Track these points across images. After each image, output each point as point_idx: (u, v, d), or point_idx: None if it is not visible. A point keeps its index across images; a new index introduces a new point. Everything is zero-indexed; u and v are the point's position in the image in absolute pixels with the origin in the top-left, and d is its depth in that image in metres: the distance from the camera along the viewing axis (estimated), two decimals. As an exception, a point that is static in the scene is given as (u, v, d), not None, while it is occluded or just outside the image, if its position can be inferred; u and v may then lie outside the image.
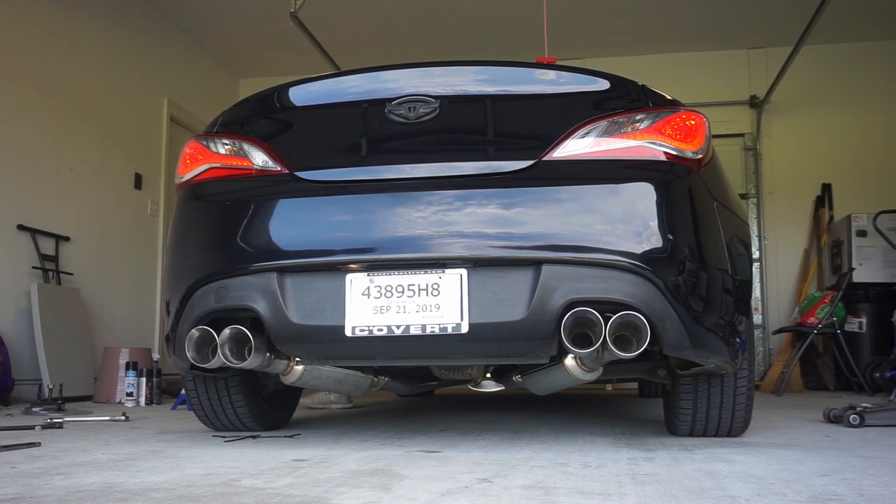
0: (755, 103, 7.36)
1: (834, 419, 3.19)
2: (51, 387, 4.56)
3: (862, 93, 7.26)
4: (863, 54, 7.28)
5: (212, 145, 2.55)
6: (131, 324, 6.36)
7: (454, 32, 7.09)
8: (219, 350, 2.28)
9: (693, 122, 2.34)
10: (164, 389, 5.09)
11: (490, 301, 2.16)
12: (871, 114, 7.22)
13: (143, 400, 4.83)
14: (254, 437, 2.68)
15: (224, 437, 2.70)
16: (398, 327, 2.18)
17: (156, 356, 5.39)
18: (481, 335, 2.16)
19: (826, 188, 7.20)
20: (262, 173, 2.44)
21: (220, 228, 2.41)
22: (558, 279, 2.13)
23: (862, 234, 6.33)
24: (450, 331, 2.15)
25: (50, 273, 5.32)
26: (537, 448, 2.35)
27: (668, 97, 2.41)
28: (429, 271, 2.20)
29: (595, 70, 2.47)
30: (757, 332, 6.98)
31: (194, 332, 2.33)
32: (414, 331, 2.17)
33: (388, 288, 2.21)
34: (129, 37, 6.43)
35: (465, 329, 2.15)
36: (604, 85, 2.40)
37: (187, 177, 2.56)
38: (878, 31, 7.05)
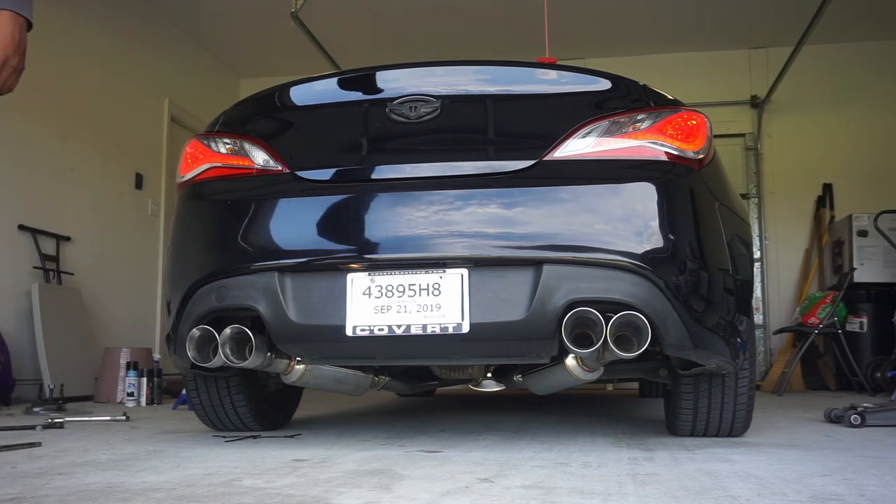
0: (756, 103, 7.36)
1: (835, 419, 3.19)
2: (51, 387, 4.56)
3: (863, 93, 7.26)
4: (864, 54, 7.27)
5: (213, 144, 2.55)
6: (132, 324, 6.36)
7: (455, 32, 7.08)
8: (220, 349, 2.28)
9: (694, 122, 2.34)
10: (164, 389, 5.09)
11: (491, 301, 2.16)
12: (871, 114, 7.22)
13: (143, 400, 4.83)
14: (254, 437, 2.68)
15: (225, 436, 2.70)
16: (399, 327, 2.18)
17: (156, 356, 5.39)
18: (482, 335, 2.16)
19: (827, 188, 7.19)
20: (263, 173, 2.44)
21: (221, 228, 2.41)
22: (559, 279, 2.12)
23: (863, 234, 6.33)
24: (451, 330, 2.15)
25: (51, 273, 5.32)
26: (538, 448, 2.35)
27: (670, 97, 2.41)
28: (430, 271, 2.20)
29: (596, 70, 2.47)
30: (758, 332, 6.98)
31: (195, 332, 2.33)
32: (415, 330, 2.17)
33: (389, 287, 2.21)
34: (130, 37, 6.43)
35: (465, 329, 2.15)
36: (605, 85, 2.40)
37: (188, 176, 2.56)
38: (879, 31, 7.05)
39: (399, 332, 2.18)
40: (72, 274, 5.57)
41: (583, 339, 2.13)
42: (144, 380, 4.85)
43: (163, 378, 5.04)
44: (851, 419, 3.00)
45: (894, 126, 7.17)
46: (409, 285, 2.20)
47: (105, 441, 2.66)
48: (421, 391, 3.67)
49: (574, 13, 6.65)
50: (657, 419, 3.41)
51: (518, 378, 2.65)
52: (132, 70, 6.45)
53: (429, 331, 2.16)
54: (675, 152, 2.27)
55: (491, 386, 2.85)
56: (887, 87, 7.22)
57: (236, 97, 7.67)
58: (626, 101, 2.36)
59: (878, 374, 5.43)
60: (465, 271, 2.18)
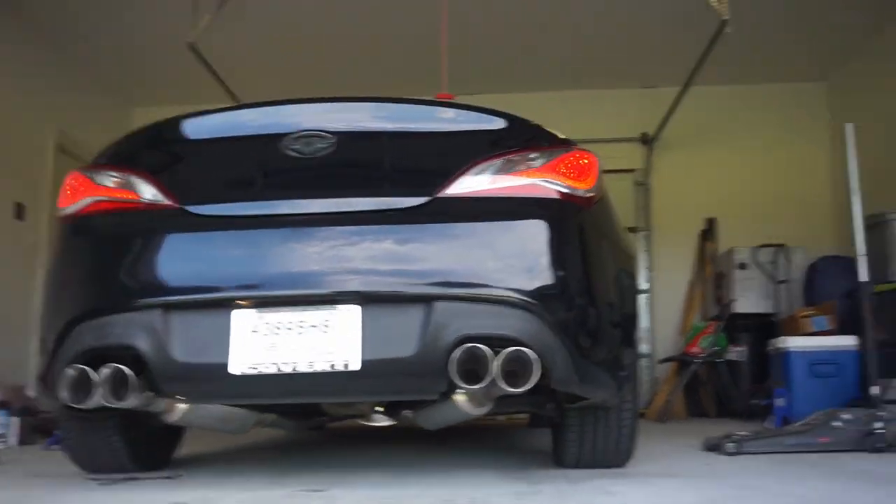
0: (646, 140, 7.66)
1: (713, 448, 3.32)
2: None
3: (746, 132, 7.61)
4: (747, 96, 7.63)
5: (97, 177, 2.45)
6: (4, 359, 5.95)
7: (355, 68, 7.09)
8: (97, 390, 2.16)
9: (586, 162, 2.41)
10: (38, 428, 4.79)
11: (382, 337, 2.14)
12: (753, 152, 7.56)
13: (15, 440, 4.54)
14: (131, 479, 2.56)
15: (98, 479, 2.56)
16: (286, 365, 2.13)
17: (32, 393, 5.06)
18: (373, 372, 2.14)
19: (710, 222, 7.54)
20: (150, 207, 2.36)
21: (104, 263, 2.31)
22: (450, 315, 2.13)
23: (743, 266, 6.68)
24: (340, 368, 2.12)
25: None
26: (425, 485, 2.35)
27: (562, 136, 2.47)
28: (320, 307, 2.17)
29: (492, 109, 2.50)
30: (645, 362, 7.20)
31: (70, 371, 2.19)
32: (302, 368, 2.12)
33: (278, 325, 2.17)
34: (10, 61, 6.09)
35: (355, 366, 2.12)
36: (500, 123, 2.45)
37: (69, 210, 2.45)
38: (761, 75, 7.46)
39: (286, 370, 2.13)
40: (-61, 305, 5.18)
41: (472, 375, 2.14)
42: (17, 419, 4.56)
43: (38, 416, 4.75)
44: (727, 448, 3.14)
45: (773, 165, 7.57)
46: (299, 322, 2.17)
47: (-33, 488, 2.48)
48: (310, 427, 3.60)
49: (471, 50, 6.77)
50: (545, 450, 3.46)
51: (408, 413, 2.63)
52: (13, 95, 6.10)
53: (317, 368, 2.12)
54: (566, 190, 2.33)
55: (381, 420, 2.82)
56: (768, 128, 7.61)
57: (131, 126, 7.38)
58: (519, 139, 2.41)
59: (754, 402, 5.71)
60: (356, 308, 2.16)
